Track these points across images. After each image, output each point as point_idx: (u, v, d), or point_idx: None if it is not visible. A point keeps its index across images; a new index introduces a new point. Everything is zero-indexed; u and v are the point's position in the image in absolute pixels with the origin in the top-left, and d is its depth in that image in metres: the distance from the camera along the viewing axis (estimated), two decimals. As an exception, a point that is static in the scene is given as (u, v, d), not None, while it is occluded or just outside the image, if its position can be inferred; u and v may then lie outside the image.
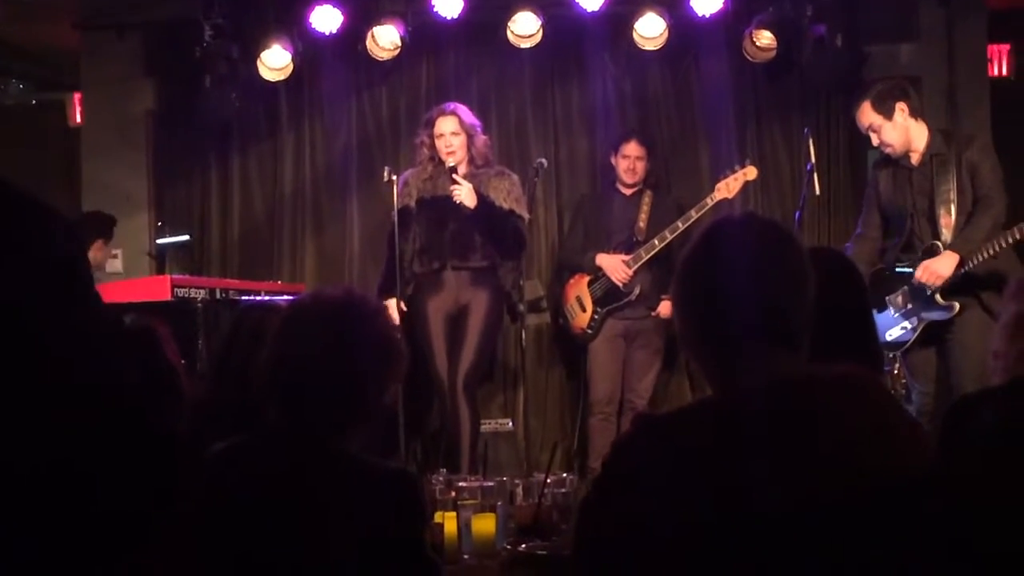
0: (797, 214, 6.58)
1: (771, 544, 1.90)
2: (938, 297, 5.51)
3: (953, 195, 5.52)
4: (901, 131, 5.61)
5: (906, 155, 5.67)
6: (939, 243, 5.53)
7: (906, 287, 5.66)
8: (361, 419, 2.65)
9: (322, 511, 2.49)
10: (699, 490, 1.94)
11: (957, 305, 5.50)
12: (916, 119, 5.65)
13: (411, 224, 6.51)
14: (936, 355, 5.67)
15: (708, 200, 6.74)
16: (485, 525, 3.58)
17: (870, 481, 1.93)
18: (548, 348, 7.77)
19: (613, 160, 7.13)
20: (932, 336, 5.64)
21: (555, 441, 5.37)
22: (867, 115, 5.62)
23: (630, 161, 7.03)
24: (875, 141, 5.68)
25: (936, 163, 5.59)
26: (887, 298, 5.76)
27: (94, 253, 7.33)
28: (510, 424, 7.31)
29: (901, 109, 5.60)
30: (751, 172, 6.80)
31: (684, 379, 7.47)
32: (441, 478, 4.27)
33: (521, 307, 6.64)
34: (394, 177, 6.39)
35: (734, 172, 6.78)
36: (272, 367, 2.64)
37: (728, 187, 6.75)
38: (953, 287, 5.49)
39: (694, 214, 6.67)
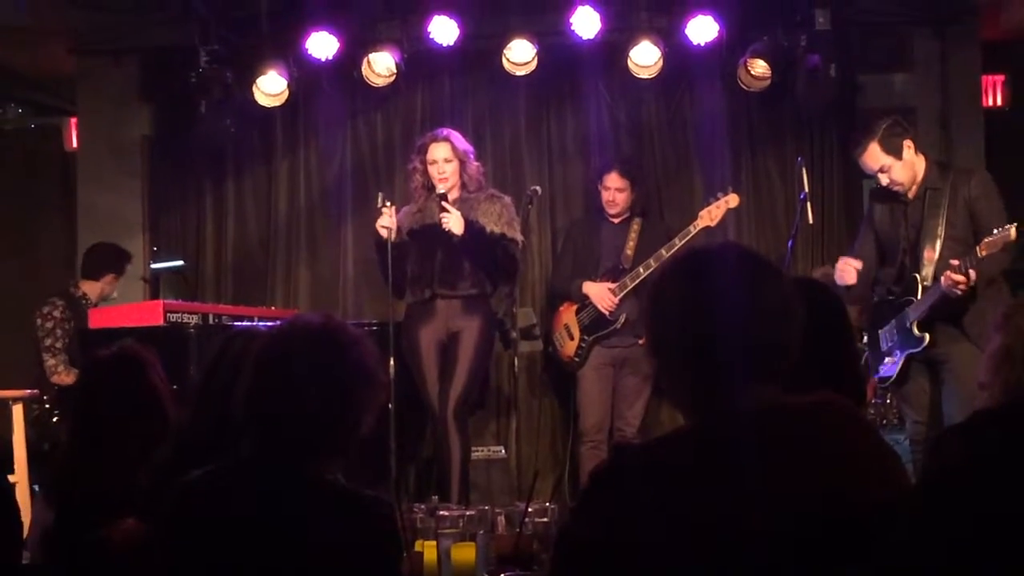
0: (790, 243, 6.59)
1: (748, 569, 1.90)
2: (914, 328, 5.51)
3: (940, 230, 5.50)
4: (910, 168, 5.59)
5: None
6: (918, 276, 5.53)
7: (893, 321, 5.66)
8: (339, 447, 2.63)
9: (297, 539, 2.48)
10: (677, 518, 1.94)
11: (927, 337, 5.49)
12: (918, 153, 5.65)
13: (399, 254, 6.50)
14: (930, 385, 5.66)
15: (691, 228, 6.74)
16: (465, 554, 3.56)
17: (841, 508, 1.93)
18: (541, 376, 7.77)
19: (599, 188, 7.13)
20: (927, 367, 5.63)
21: (536, 469, 5.35)
22: (877, 157, 5.56)
23: (610, 193, 7.03)
24: (884, 181, 5.61)
25: (929, 197, 5.57)
26: (880, 332, 5.77)
27: (103, 286, 7.33)
28: (503, 451, 7.30)
29: (908, 146, 5.58)
30: (733, 200, 6.80)
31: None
32: (423, 506, 4.25)
33: (514, 334, 6.63)
34: (387, 203, 6.38)
35: (717, 200, 6.79)
36: (249, 393, 2.63)
37: (711, 215, 6.75)
38: (943, 321, 5.48)
39: (678, 242, 6.66)
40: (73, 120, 8.73)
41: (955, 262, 5.27)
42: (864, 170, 5.76)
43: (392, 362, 6.17)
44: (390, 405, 5.94)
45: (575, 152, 7.98)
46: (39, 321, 7.07)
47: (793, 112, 7.72)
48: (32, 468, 6.38)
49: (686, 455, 2.02)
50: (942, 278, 5.31)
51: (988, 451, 1.93)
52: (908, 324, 5.54)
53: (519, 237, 6.50)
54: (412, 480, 7.30)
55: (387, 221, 6.34)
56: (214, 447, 2.87)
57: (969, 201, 5.51)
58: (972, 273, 5.24)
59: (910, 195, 5.63)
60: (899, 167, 5.56)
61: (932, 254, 5.50)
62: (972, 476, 1.89)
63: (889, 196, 5.72)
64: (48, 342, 7.01)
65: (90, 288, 7.30)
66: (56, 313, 7.06)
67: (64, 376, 6.88)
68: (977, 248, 5.22)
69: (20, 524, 3.37)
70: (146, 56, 8.09)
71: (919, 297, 5.51)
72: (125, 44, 7.99)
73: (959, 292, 5.28)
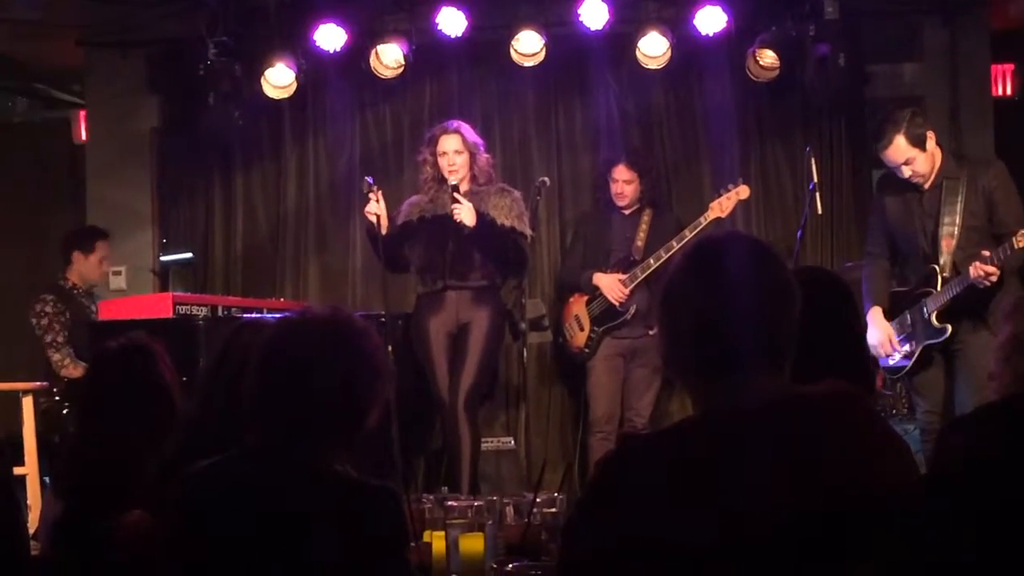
0: (799, 233, 6.58)
1: (753, 561, 1.90)
2: (934, 319, 5.50)
3: (958, 219, 5.50)
4: (931, 159, 5.59)
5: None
6: (936, 267, 5.52)
7: (907, 312, 5.65)
8: (345, 438, 2.64)
9: (303, 529, 2.48)
10: (684, 508, 1.93)
11: (949, 328, 5.49)
12: (937, 144, 5.65)
13: (406, 240, 6.53)
14: (944, 375, 5.66)
15: (702, 219, 6.74)
16: (473, 544, 3.56)
17: (849, 499, 1.93)
18: (550, 367, 7.76)
19: (608, 180, 7.13)
20: (940, 357, 5.63)
21: (544, 460, 5.37)
22: (903, 150, 5.54)
23: (619, 185, 7.03)
24: (907, 173, 5.59)
25: (947, 187, 5.57)
26: (891, 323, 5.75)
27: (78, 268, 7.31)
28: (512, 442, 7.31)
29: (931, 137, 5.58)
30: (743, 191, 6.80)
31: (684, 397, 7.44)
32: (432, 496, 4.26)
33: (523, 325, 6.63)
34: (374, 188, 6.36)
35: (727, 191, 6.78)
36: (256, 384, 2.63)
37: (721, 206, 6.75)
38: (960, 310, 5.47)
39: (688, 233, 6.65)
40: (82, 113, 8.76)
41: (986, 253, 5.29)
42: (886, 163, 5.70)
43: (389, 350, 6.15)
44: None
45: (584, 143, 7.97)
46: (33, 320, 7.07)
47: (802, 102, 7.70)
48: (42, 460, 6.41)
49: (693, 445, 2.02)
50: (971, 268, 5.32)
51: (994, 442, 1.92)
52: (927, 315, 5.53)
53: (528, 231, 6.51)
54: (421, 471, 7.31)
55: (373, 207, 6.34)
56: (221, 438, 2.87)
57: (987, 191, 5.51)
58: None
59: (926, 186, 5.62)
60: (923, 159, 5.56)
61: (950, 243, 5.50)
62: (978, 467, 1.88)
63: (902, 186, 5.70)
64: (49, 338, 7.01)
65: (71, 274, 7.30)
66: (47, 308, 7.06)
67: (72, 369, 6.89)
68: (1014, 240, 5.24)
69: (21, 514, 3.38)
70: (154, 48, 8.09)
71: (938, 288, 5.51)
72: (133, 37, 8.00)
73: (988, 283, 5.30)
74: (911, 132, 5.53)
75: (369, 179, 6.46)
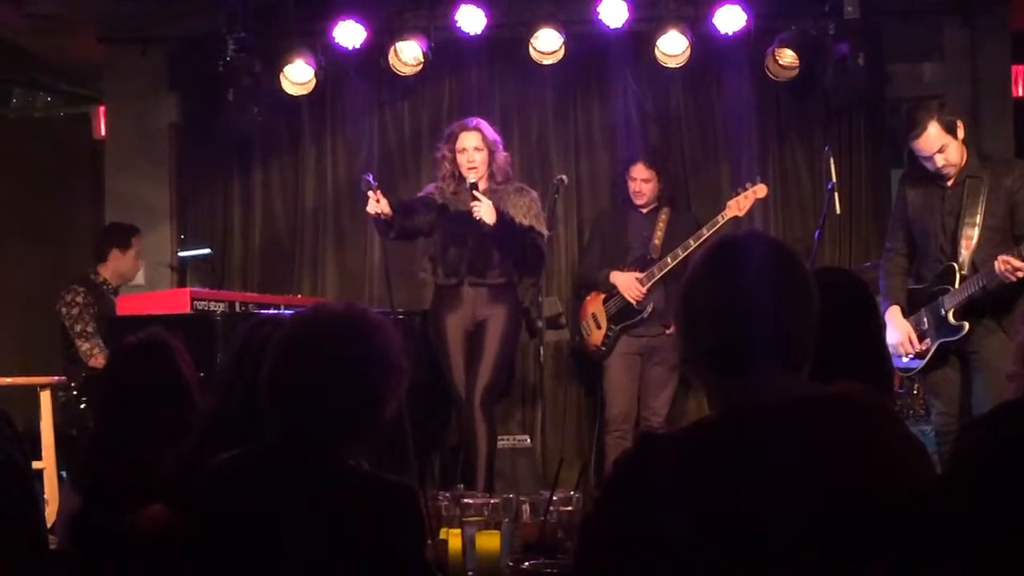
0: (817, 233, 6.58)
1: (770, 560, 1.90)
2: (951, 317, 5.48)
3: (979, 218, 5.49)
4: (961, 150, 5.58)
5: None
6: (956, 264, 5.51)
7: (923, 309, 5.63)
8: (361, 433, 2.64)
9: (321, 524, 2.49)
10: (701, 507, 1.94)
11: (967, 325, 5.47)
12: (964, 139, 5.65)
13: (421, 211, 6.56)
14: (959, 376, 5.64)
15: (719, 218, 6.73)
16: (490, 542, 3.57)
17: (866, 500, 1.93)
18: (567, 365, 7.77)
19: (626, 179, 7.13)
20: (955, 357, 5.61)
21: (561, 458, 5.36)
22: (938, 137, 5.53)
23: (637, 183, 7.03)
24: (939, 163, 5.57)
25: (969, 185, 5.55)
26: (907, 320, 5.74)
27: (114, 264, 7.37)
28: (528, 440, 7.31)
29: (961, 127, 5.58)
30: (761, 190, 6.79)
31: (701, 396, 7.43)
32: (448, 494, 4.27)
33: (540, 323, 6.63)
34: (373, 186, 6.34)
35: (745, 190, 6.77)
36: (272, 380, 2.64)
37: (739, 205, 6.74)
38: (975, 311, 5.45)
39: (705, 232, 6.65)
40: (101, 108, 8.78)
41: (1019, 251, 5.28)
42: (917, 153, 5.67)
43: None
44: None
45: (602, 142, 7.96)
46: (63, 310, 7.11)
47: (821, 102, 7.69)
48: (59, 454, 6.42)
49: (711, 445, 2.01)
50: (997, 263, 5.29)
51: (1012, 442, 1.92)
52: (943, 312, 5.51)
53: (545, 230, 6.52)
54: (437, 468, 7.31)
55: (373, 207, 6.30)
56: (239, 434, 2.88)
57: (1010, 193, 5.50)
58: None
59: (950, 183, 5.61)
60: (954, 147, 5.55)
61: (970, 243, 5.49)
62: (996, 468, 1.88)
63: (925, 182, 5.69)
64: (79, 328, 7.05)
65: (105, 270, 7.34)
66: (79, 299, 7.10)
67: (100, 359, 6.90)
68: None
69: (39, 508, 3.39)
70: (174, 45, 8.10)
71: (956, 286, 5.49)
72: (153, 33, 8.02)
73: (1015, 278, 5.27)
74: (944, 120, 5.53)
75: (368, 177, 6.38)
